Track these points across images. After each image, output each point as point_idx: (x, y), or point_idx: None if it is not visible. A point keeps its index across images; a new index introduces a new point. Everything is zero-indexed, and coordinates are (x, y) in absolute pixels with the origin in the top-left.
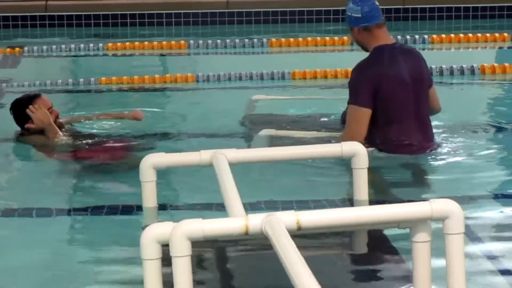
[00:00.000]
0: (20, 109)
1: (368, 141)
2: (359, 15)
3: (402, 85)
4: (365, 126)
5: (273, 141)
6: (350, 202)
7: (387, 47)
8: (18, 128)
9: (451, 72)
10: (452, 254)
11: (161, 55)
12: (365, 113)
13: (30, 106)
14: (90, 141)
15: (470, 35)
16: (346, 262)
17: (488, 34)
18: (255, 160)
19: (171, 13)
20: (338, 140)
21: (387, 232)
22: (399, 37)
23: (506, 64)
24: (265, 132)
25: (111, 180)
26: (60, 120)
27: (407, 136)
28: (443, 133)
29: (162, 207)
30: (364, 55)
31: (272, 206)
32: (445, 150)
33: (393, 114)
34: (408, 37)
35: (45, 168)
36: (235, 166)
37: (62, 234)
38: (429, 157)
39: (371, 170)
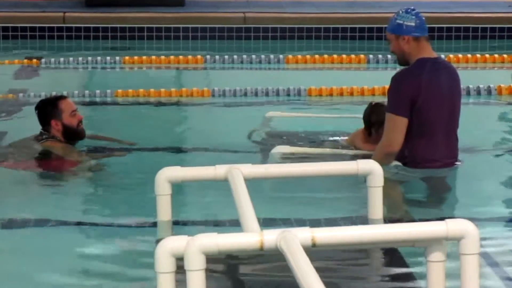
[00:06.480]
0: (45, 108)
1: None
2: (413, 24)
3: (439, 99)
4: (402, 135)
5: (288, 158)
6: (365, 219)
7: (430, 60)
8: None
9: (468, 92)
10: (467, 274)
11: (178, 69)
12: (403, 122)
13: None
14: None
15: (487, 55)
16: (360, 280)
17: (505, 55)
18: (271, 176)
19: (188, 27)
20: (376, 150)
21: (401, 249)
22: None
23: None
24: (279, 148)
25: (122, 193)
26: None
27: (434, 151)
28: (460, 152)
29: (176, 221)
30: (380, 73)
31: (286, 222)
32: (463, 169)
33: (426, 127)
34: None
35: (60, 178)
36: (249, 181)
37: (72, 246)
38: (449, 175)
39: (391, 184)
